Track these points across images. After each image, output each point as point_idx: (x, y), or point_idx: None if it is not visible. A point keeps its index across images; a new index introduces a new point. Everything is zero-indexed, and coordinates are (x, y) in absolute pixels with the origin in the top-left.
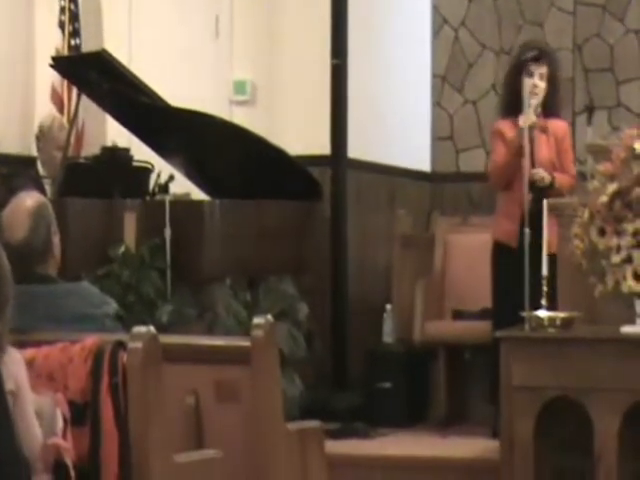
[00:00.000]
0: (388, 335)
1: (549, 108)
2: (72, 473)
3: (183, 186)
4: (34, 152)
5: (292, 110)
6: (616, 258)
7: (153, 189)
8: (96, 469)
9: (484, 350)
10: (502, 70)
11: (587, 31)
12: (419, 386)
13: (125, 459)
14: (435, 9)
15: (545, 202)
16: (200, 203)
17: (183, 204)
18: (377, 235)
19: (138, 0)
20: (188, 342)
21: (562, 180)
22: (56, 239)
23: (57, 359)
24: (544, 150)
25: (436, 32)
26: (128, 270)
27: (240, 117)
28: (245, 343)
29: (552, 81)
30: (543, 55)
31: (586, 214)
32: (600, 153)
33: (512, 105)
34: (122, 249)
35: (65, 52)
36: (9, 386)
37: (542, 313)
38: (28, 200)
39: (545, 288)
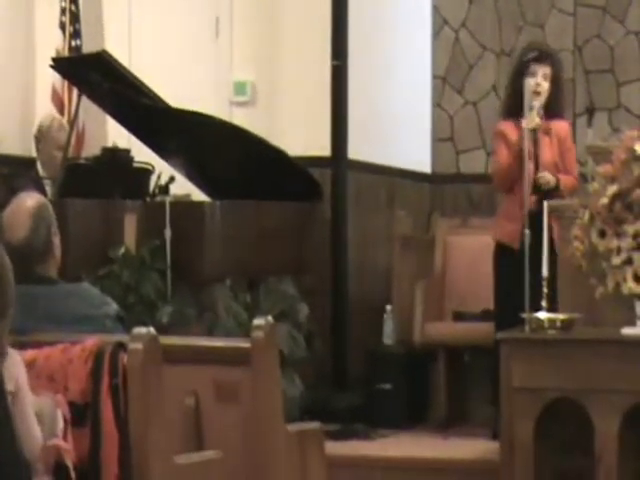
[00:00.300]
0: (388, 336)
1: (552, 109)
2: (72, 474)
3: (183, 187)
4: (34, 153)
5: (292, 111)
6: (616, 260)
7: (153, 190)
8: (96, 470)
9: (484, 351)
10: (503, 71)
11: (587, 32)
12: (419, 387)
13: (125, 460)
14: (435, 10)
15: (545, 204)
16: (200, 204)
17: (183, 205)
18: (377, 236)
19: (138, 1)
20: (188, 343)
21: (566, 182)
22: (56, 240)
23: (57, 360)
24: (547, 152)
25: (436, 33)
26: (128, 271)
27: (240, 118)
28: (245, 344)
29: (555, 82)
30: (546, 56)
31: (586, 216)
32: (600, 155)
33: (515, 106)
34: (122, 250)
35: (66, 53)
36: (9, 387)
37: (542, 315)
38: (28, 201)
39: (545, 289)
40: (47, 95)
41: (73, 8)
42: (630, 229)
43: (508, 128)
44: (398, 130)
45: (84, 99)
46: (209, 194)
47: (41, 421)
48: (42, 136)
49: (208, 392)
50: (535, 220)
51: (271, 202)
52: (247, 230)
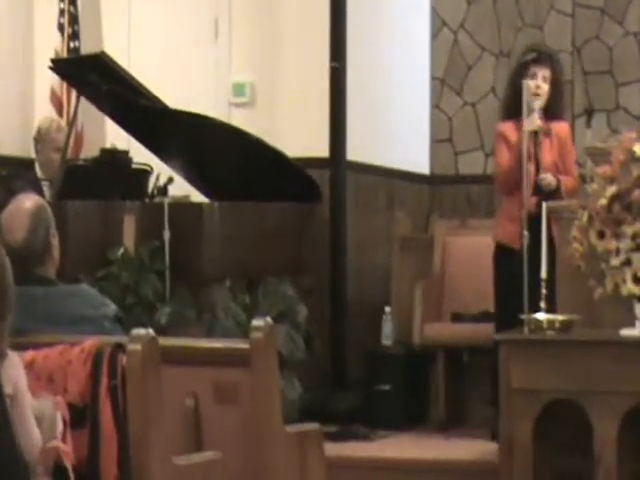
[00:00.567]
0: (387, 337)
1: (552, 111)
2: (72, 476)
3: (182, 188)
4: (33, 154)
5: (291, 112)
6: (615, 261)
7: (152, 191)
8: (95, 471)
9: (483, 352)
10: (501, 72)
11: (586, 33)
12: (418, 388)
13: (124, 461)
14: (434, 11)
15: (544, 205)
16: (199, 205)
17: (182, 206)
18: (376, 237)
19: (137, 3)
20: (187, 344)
21: (567, 183)
22: (55, 241)
23: (56, 361)
24: (548, 154)
25: (435, 34)
26: (127, 272)
27: (239, 119)
28: (244, 345)
29: (555, 84)
30: (546, 58)
31: (585, 217)
32: (599, 156)
33: (514, 107)
34: (121, 251)
35: (64, 54)
36: (7, 390)
37: (541, 316)
38: (27, 202)
39: (544, 291)
40: (46, 96)
41: (72, 9)
42: (629, 230)
43: (508, 129)
44: (397, 131)
45: (83, 100)
46: (208, 195)
47: (41, 424)
48: (41, 138)
49: (207, 393)
50: (536, 221)
51: (270, 203)
52: (246, 231)
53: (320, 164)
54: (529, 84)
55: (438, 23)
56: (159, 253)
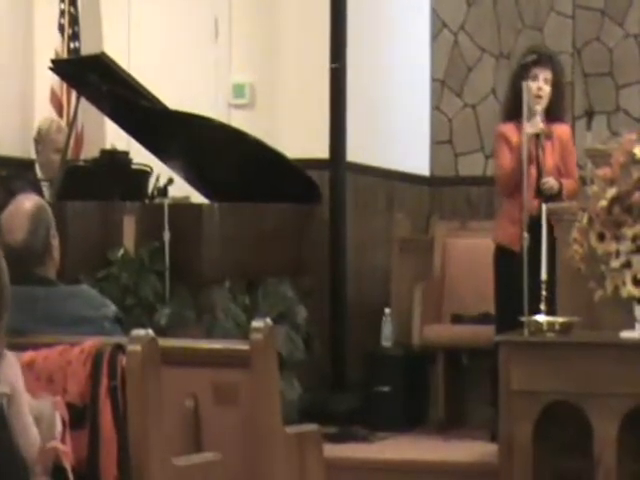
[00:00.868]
0: (387, 339)
1: (553, 113)
2: (71, 476)
3: (182, 189)
4: (33, 155)
5: (291, 113)
6: (615, 263)
7: (152, 192)
8: (95, 472)
9: (483, 354)
10: (501, 74)
11: (586, 35)
12: (418, 390)
13: (124, 462)
14: (434, 13)
15: (544, 207)
16: (199, 206)
17: (182, 207)
18: (376, 238)
19: (137, 3)
20: (187, 345)
21: (569, 186)
22: (55, 242)
23: (56, 362)
24: (549, 156)
25: (435, 36)
26: (127, 273)
27: (239, 120)
28: (244, 346)
29: (556, 86)
30: (547, 60)
31: (585, 219)
32: (599, 158)
33: (515, 109)
34: (121, 252)
35: (64, 55)
36: (4, 389)
37: (541, 318)
38: (27, 203)
39: (544, 292)
40: (46, 97)
41: (72, 10)
42: (629, 232)
43: (509, 131)
44: (397, 132)
45: (83, 101)
46: (208, 196)
47: (39, 424)
48: (41, 138)
49: (207, 394)
50: (537, 224)
51: (270, 204)
52: (246, 232)
53: (320, 165)
54: (531, 86)
55: (438, 24)
56: (159, 254)
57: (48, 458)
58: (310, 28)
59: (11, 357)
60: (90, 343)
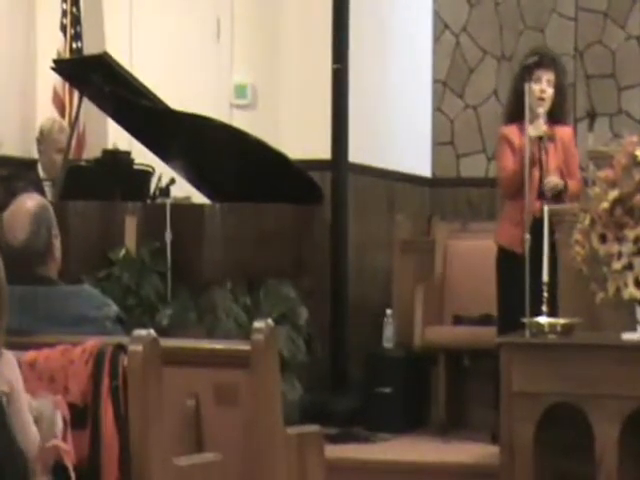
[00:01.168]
0: (388, 340)
1: (555, 115)
2: (72, 475)
3: (184, 189)
4: (35, 155)
5: (293, 114)
6: (617, 265)
7: (154, 192)
8: (96, 472)
9: (484, 355)
10: (503, 75)
11: (588, 37)
12: (419, 391)
13: (125, 462)
14: (436, 14)
15: (546, 208)
16: (201, 206)
17: (184, 207)
18: (377, 239)
19: (139, 3)
20: (188, 345)
21: (572, 187)
22: (57, 241)
23: (58, 361)
24: (552, 158)
25: (437, 37)
26: (129, 273)
27: (240, 121)
28: (245, 347)
29: (559, 88)
30: (550, 62)
31: (587, 220)
32: (601, 159)
33: (517, 111)
34: (123, 252)
35: (67, 55)
36: (3, 389)
37: (543, 319)
38: (29, 202)
39: (546, 294)
40: (48, 97)
41: (74, 10)
42: (631, 234)
43: (512, 133)
44: (398, 134)
45: (85, 101)
46: (209, 196)
47: (39, 423)
48: (43, 138)
49: (208, 394)
50: (540, 225)
51: (271, 205)
52: (247, 233)
53: (321, 166)
54: (534, 88)
55: (440, 26)
56: (160, 254)
57: (49, 457)
58: (312, 29)
59: (9, 356)
60: (92, 343)
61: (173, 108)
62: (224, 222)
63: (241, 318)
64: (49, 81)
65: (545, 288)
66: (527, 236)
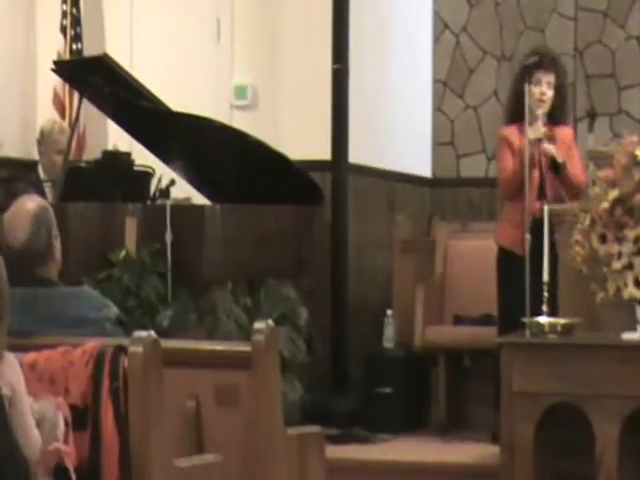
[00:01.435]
0: (388, 340)
1: (556, 116)
2: (73, 477)
3: (184, 190)
4: (35, 156)
5: (293, 115)
6: (617, 265)
7: (154, 193)
8: (97, 473)
9: (485, 355)
10: (503, 76)
11: (588, 37)
12: (419, 391)
13: (126, 463)
14: (436, 14)
15: (546, 208)
16: (201, 207)
17: (184, 208)
18: (377, 240)
19: (139, 5)
20: (188, 346)
21: (573, 170)
22: (57, 243)
23: (58, 363)
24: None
25: (437, 37)
26: (129, 274)
27: (241, 122)
28: (246, 348)
29: (559, 89)
30: (550, 64)
31: (587, 220)
32: (601, 159)
33: (518, 112)
34: (123, 253)
35: (67, 56)
36: (5, 392)
37: (543, 319)
38: (29, 203)
39: (546, 294)
40: (48, 98)
41: (74, 12)
42: (631, 234)
43: (512, 134)
44: (398, 134)
45: (85, 102)
46: (210, 197)
47: (42, 425)
48: (43, 140)
49: (208, 395)
50: (540, 226)
51: (271, 206)
52: (247, 233)
53: (322, 166)
54: (533, 91)
55: (440, 26)
56: (161, 255)
57: (50, 460)
58: (312, 29)
59: (12, 359)
60: (92, 344)
61: (173, 109)
62: (224, 223)
63: (241, 319)
64: (49, 82)
65: (545, 288)
66: (527, 236)
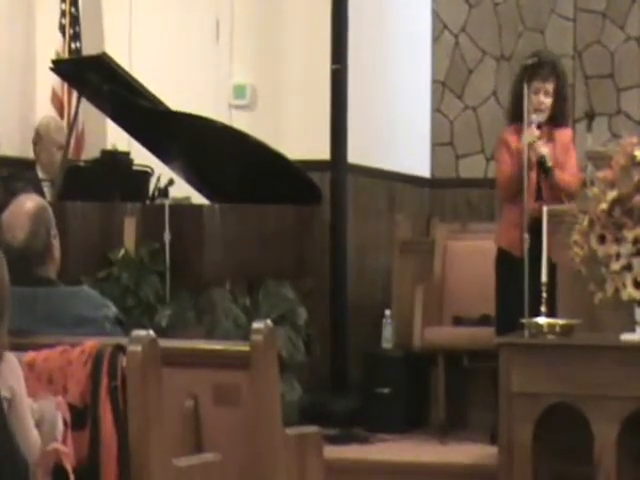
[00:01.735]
0: (387, 340)
1: (557, 119)
2: (72, 477)
3: (183, 190)
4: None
5: (292, 114)
6: (616, 265)
7: (153, 193)
8: (95, 473)
9: (484, 356)
10: (502, 76)
11: (587, 38)
12: (418, 392)
13: (124, 462)
14: (435, 14)
15: (545, 209)
16: (200, 207)
17: (183, 208)
18: (377, 240)
19: (138, 4)
20: (187, 346)
21: (562, 176)
22: (56, 242)
23: (57, 362)
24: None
25: (436, 38)
26: (127, 273)
27: (240, 121)
28: (244, 347)
29: (559, 93)
30: (550, 70)
31: (586, 221)
32: (600, 160)
33: (517, 113)
34: (122, 253)
35: (65, 55)
36: (4, 393)
37: (541, 320)
38: (28, 202)
39: (545, 295)
40: (47, 97)
41: (73, 11)
42: (630, 235)
43: (510, 136)
44: (398, 134)
45: (84, 101)
46: (208, 197)
47: (41, 425)
48: (40, 137)
49: (207, 395)
50: (538, 226)
51: (270, 205)
52: (246, 233)
53: (321, 167)
54: (532, 98)
55: (439, 26)
56: (160, 255)
57: (49, 460)
58: (311, 29)
59: (12, 359)
60: (91, 344)
61: (172, 109)
62: (223, 222)
63: (240, 319)
64: (48, 81)
65: (544, 289)
66: (526, 236)
